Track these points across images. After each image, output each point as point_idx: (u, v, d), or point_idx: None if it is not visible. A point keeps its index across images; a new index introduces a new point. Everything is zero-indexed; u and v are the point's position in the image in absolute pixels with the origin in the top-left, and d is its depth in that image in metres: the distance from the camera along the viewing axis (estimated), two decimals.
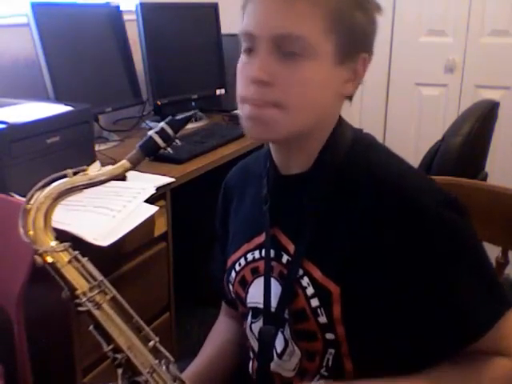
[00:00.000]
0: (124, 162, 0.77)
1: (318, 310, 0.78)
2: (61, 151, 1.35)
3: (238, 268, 0.90)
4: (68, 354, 1.23)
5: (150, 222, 1.36)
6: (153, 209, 1.30)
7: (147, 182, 1.41)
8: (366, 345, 0.78)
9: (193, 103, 2.16)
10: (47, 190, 0.75)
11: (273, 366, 0.85)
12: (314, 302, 0.78)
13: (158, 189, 1.39)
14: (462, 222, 0.76)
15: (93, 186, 0.77)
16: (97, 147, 1.62)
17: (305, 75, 0.73)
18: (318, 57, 0.73)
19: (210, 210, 0.99)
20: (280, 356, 0.84)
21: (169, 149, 0.79)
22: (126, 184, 1.42)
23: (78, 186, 0.76)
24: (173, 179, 1.47)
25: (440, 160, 1.66)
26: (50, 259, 0.74)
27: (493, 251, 1.08)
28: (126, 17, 2.00)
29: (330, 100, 0.78)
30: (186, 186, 1.55)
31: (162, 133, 0.78)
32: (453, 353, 0.76)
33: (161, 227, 1.45)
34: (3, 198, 1.20)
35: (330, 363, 0.80)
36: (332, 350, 0.79)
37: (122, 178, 1.53)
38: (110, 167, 0.77)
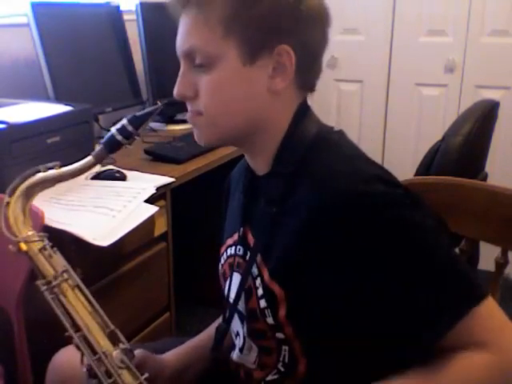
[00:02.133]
0: (89, 159, 0.82)
1: (266, 311, 0.79)
2: (61, 151, 1.35)
3: (222, 261, 0.93)
4: None
5: (150, 222, 1.36)
6: (153, 209, 1.30)
7: (147, 182, 1.41)
8: (317, 344, 0.78)
9: None
10: (23, 185, 0.81)
11: (236, 358, 0.89)
12: (262, 303, 0.79)
13: (158, 189, 1.39)
14: (412, 218, 0.72)
15: (62, 181, 0.82)
16: (97, 147, 1.62)
17: (214, 81, 0.77)
18: (223, 61, 0.75)
19: (209, 210, 0.99)
20: (241, 350, 0.87)
21: (129, 146, 0.82)
22: (126, 184, 1.42)
23: (48, 180, 0.81)
24: (173, 179, 1.47)
25: (440, 160, 1.66)
26: (24, 248, 0.80)
27: (493, 251, 1.08)
28: (125, 17, 2.00)
29: (255, 99, 0.77)
30: (186, 186, 1.55)
31: (122, 130, 0.81)
32: (412, 353, 0.73)
33: (161, 227, 1.45)
34: (3, 198, 1.20)
35: (287, 359, 0.81)
36: (286, 347, 0.80)
37: (122, 177, 1.55)
38: (77, 163, 0.82)
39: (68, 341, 0.79)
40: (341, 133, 0.84)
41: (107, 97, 1.88)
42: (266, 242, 0.80)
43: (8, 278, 1.14)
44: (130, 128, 0.80)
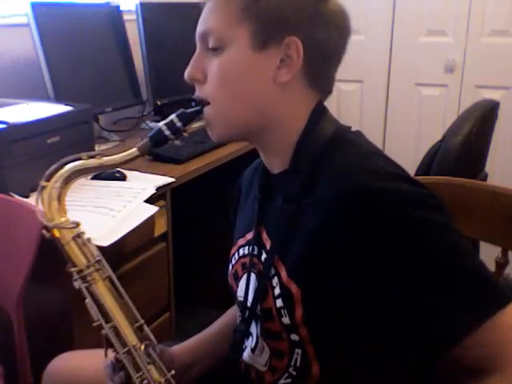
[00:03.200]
0: (133, 150, 0.80)
1: (282, 311, 0.78)
2: (61, 151, 1.35)
3: (233, 261, 0.92)
4: None
5: (150, 222, 1.36)
6: (153, 209, 1.30)
7: (147, 182, 1.41)
8: (331, 347, 0.77)
9: (193, 103, 2.15)
10: (62, 170, 0.79)
11: (248, 359, 0.87)
12: (279, 303, 0.78)
13: (158, 189, 1.39)
14: (436, 219, 0.71)
15: (103, 170, 0.82)
16: (97, 147, 1.62)
17: (222, 64, 0.77)
18: (234, 45, 0.76)
19: (209, 210, 0.99)
20: (253, 351, 0.86)
21: (177, 141, 0.80)
22: (126, 184, 1.42)
23: (89, 168, 0.80)
24: (173, 179, 1.47)
25: (440, 160, 1.66)
26: (56, 234, 0.79)
27: (493, 251, 1.08)
28: (126, 17, 2.00)
29: (261, 88, 0.77)
30: (186, 186, 1.55)
31: (171, 125, 0.79)
32: (426, 359, 0.73)
33: (161, 227, 1.45)
34: (3, 198, 1.20)
35: (299, 363, 0.79)
36: (299, 351, 0.79)
37: (122, 178, 1.54)
38: (120, 154, 0.80)
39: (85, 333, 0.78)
40: (359, 132, 0.83)
41: (107, 97, 1.88)
42: (283, 241, 0.79)
43: (8, 278, 1.14)
44: (178, 124, 0.79)
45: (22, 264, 1.09)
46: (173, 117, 0.80)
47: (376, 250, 0.70)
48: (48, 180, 0.79)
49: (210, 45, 0.77)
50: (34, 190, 1.28)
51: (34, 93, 1.66)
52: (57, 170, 0.79)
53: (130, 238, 1.25)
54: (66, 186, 0.80)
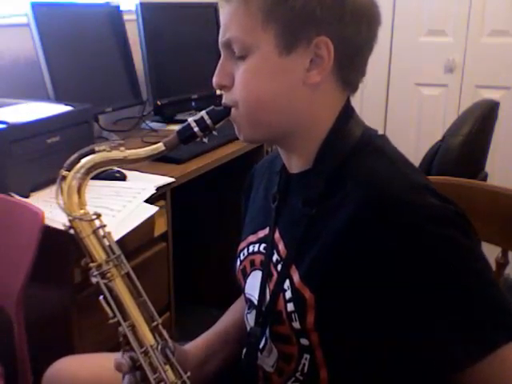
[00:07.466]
0: (159, 145, 0.78)
1: (293, 315, 0.76)
2: (61, 151, 1.35)
3: (242, 257, 0.91)
4: (68, 354, 1.23)
5: (150, 222, 1.35)
6: (153, 209, 1.30)
7: (147, 182, 1.41)
8: (341, 354, 0.76)
9: (193, 103, 2.16)
10: (84, 160, 0.76)
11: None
12: (290, 307, 0.77)
13: (158, 189, 1.39)
14: (462, 239, 0.69)
15: (126, 163, 0.79)
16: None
17: (249, 70, 0.75)
18: (260, 50, 0.74)
19: (210, 210, 0.99)
20: (261, 351, 0.85)
21: (205, 139, 0.79)
22: (126, 184, 1.42)
23: (112, 161, 0.77)
24: (173, 179, 1.47)
25: (440, 160, 1.66)
26: (75, 226, 0.77)
27: (493, 251, 1.08)
28: (126, 17, 2.00)
29: (291, 92, 0.76)
30: (186, 186, 1.55)
31: (200, 121, 0.78)
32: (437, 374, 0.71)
33: (161, 227, 1.45)
34: (3, 198, 1.20)
35: (306, 369, 0.78)
36: (307, 356, 0.78)
37: (122, 178, 1.54)
38: (145, 148, 0.78)
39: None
40: (384, 137, 0.82)
41: (107, 97, 1.88)
42: (299, 244, 0.78)
43: (8, 278, 1.14)
44: (208, 121, 0.78)
45: (21, 264, 1.09)
46: (203, 113, 0.78)
47: (394, 259, 0.69)
48: (68, 170, 0.76)
49: (236, 52, 0.75)
50: (34, 189, 1.28)
51: (34, 93, 1.66)
52: (78, 159, 0.76)
53: (130, 238, 1.25)
54: (87, 177, 0.77)
